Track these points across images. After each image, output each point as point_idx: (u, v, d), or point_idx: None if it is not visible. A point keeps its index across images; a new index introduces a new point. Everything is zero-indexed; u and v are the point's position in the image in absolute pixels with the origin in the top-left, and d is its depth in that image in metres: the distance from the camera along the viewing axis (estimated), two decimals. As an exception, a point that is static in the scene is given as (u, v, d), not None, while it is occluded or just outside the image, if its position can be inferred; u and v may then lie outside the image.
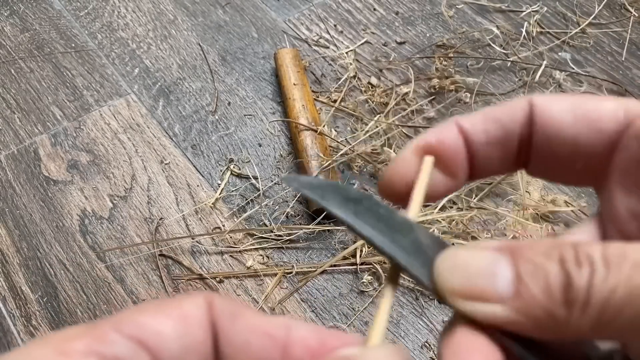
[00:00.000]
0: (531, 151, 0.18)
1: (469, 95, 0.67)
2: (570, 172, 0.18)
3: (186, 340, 0.14)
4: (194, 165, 0.63)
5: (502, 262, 0.14)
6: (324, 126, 0.62)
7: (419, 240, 0.17)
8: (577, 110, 0.17)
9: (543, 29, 0.74)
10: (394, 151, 0.61)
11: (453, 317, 0.16)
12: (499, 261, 0.14)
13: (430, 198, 0.19)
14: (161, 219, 0.58)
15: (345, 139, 0.63)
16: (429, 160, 0.19)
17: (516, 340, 0.15)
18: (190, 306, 0.14)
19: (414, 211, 0.18)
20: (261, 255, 0.56)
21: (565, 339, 0.14)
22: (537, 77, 0.68)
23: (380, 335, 0.15)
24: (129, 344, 0.13)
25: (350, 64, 0.69)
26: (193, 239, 0.57)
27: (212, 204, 0.59)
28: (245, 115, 0.67)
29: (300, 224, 0.57)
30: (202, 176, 0.62)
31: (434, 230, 0.54)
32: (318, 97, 0.67)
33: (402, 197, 0.19)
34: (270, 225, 0.57)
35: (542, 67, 0.68)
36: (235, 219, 0.58)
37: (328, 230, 0.57)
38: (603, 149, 0.17)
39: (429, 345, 0.51)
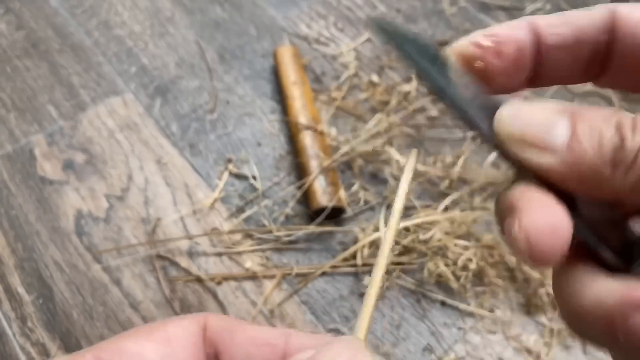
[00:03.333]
0: (611, 61, 0.18)
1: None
2: None
3: None
4: (191, 165, 0.62)
5: (562, 119, 0.15)
6: (324, 125, 0.62)
7: (484, 98, 0.17)
8: None
9: (546, 26, 0.73)
10: (396, 150, 0.60)
11: (511, 177, 0.16)
12: (559, 117, 0.15)
13: (495, 89, 0.19)
14: (158, 219, 0.58)
15: (346, 138, 0.62)
16: (413, 156, 0.19)
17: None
18: (175, 328, 0.14)
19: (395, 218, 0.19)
20: (260, 256, 0.55)
21: (604, 197, 0.15)
22: (540, 75, 0.67)
23: (367, 324, 0.16)
24: None
25: (351, 62, 0.68)
26: (191, 240, 0.56)
27: (210, 204, 0.58)
28: (244, 114, 0.66)
29: (300, 224, 0.57)
30: (200, 176, 0.61)
31: (435, 232, 0.53)
32: (318, 95, 0.66)
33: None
34: (270, 226, 0.56)
35: (545, 65, 0.68)
36: (234, 220, 0.57)
37: (328, 231, 0.56)
38: None
39: (431, 348, 0.50)
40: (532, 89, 0.20)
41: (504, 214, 0.16)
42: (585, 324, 0.15)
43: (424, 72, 0.18)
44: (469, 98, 0.17)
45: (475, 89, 0.18)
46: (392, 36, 0.18)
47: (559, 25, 0.18)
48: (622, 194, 0.15)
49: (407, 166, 0.19)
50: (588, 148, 0.14)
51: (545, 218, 0.14)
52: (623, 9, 0.18)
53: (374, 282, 0.17)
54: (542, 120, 0.15)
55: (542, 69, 0.19)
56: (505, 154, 0.16)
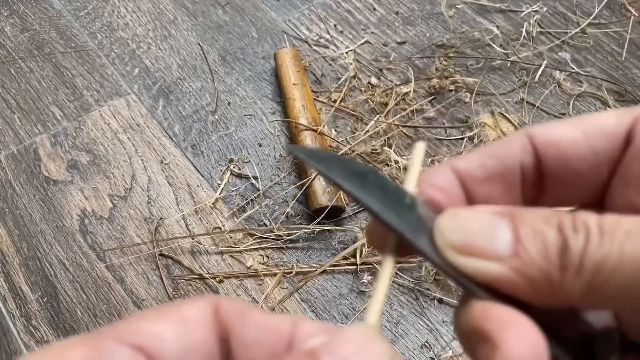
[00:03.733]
0: (545, 180, 0.18)
1: (469, 95, 0.67)
2: (591, 189, 0.18)
3: (187, 342, 0.14)
4: (194, 165, 0.63)
5: (502, 224, 0.15)
6: (324, 126, 0.62)
7: (424, 215, 0.17)
8: (582, 126, 0.17)
9: (543, 29, 0.74)
10: (394, 151, 0.61)
11: (464, 297, 0.16)
12: (499, 222, 0.15)
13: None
14: (161, 219, 0.58)
15: (345, 139, 0.63)
16: (421, 146, 0.18)
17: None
18: (191, 309, 0.14)
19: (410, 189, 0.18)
20: (261, 255, 0.56)
21: (558, 305, 0.15)
22: (537, 77, 0.68)
23: (378, 312, 0.15)
24: (127, 351, 0.13)
25: (350, 63, 0.69)
26: (193, 239, 0.57)
27: (212, 204, 0.59)
28: (245, 115, 0.67)
29: (300, 224, 0.57)
30: (202, 176, 0.62)
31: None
32: (318, 97, 0.67)
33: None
34: (270, 225, 0.57)
35: (542, 67, 0.68)
36: (235, 219, 0.58)
37: (328, 230, 0.57)
38: (618, 152, 0.17)
39: (429, 345, 0.51)
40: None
41: (471, 339, 0.15)
42: None
43: (356, 196, 0.16)
44: (408, 218, 0.16)
45: (412, 200, 0.17)
46: (316, 159, 0.17)
47: (479, 159, 0.18)
48: (575, 299, 0.14)
49: (415, 157, 0.18)
50: (534, 253, 0.14)
51: (526, 346, 0.14)
52: (537, 130, 0.18)
53: (386, 267, 0.16)
54: (483, 227, 0.15)
55: (476, 201, 0.19)
56: (449, 270, 0.15)
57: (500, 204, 0.18)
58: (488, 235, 0.15)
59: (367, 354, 0.14)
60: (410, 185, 0.18)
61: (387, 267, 0.16)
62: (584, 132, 0.17)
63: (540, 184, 0.18)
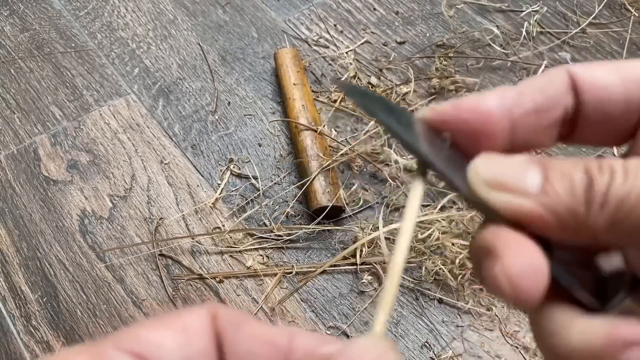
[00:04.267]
0: (579, 119, 0.19)
1: (468, 95, 0.67)
2: (617, 134, 0.19)
3: (187, 351, 0.14)
4: (193, 165, 0.63)
5: (534, 168, 0.16)
6: (324, 126, 0.62)
7: (455, 154, 0.18)
8: (620, 72, 0.18)
9: (543, 28, 0.74)
10: (394, 151, 0.61)
11: (485, 221, 0.17)
12: (531, 166, 0.16)
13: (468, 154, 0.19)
14: (161, 219, 0.58)
15: (345, 139, 0.63)
16: (418, 187, 0.18)
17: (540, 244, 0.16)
18: (191, 318, 0.14)
19: (402, 248, 0.17)
20: (261, 255, 0.56)
21: (582, 240, 0.16)
22: (537, 77, 0.68)
23: (390, 305, 0.16)
24: (128, 359, 0.13)
25: (350, 63, 0.69)
26: (193, 239, 0.57)
27: (212, 204, 0.59)
28: (245, 115, 0.67)
29: (300, 224, 0.57)
30: (202, 176, 0.62)
31: (433, 231, 0.54)
32: (318, 97, 0.67)
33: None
34: (270, 225, 0.57)
35: (542, 67, 0.68)
36: (235, 219, 0.58)
37: (328, 230, 0.57)
38: None
39: (429, 345, 0.51)
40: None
41: (480, 255, 0.16)
42: None
43: (394, 130, 0.17)
44: (438, 152, 0.17)
45: (443, 144, 0.18)
46: (362, 97, 0.18)
47: (530, 93, 0.18)
48: (598, 233, 0.15)
49: (411, 199, 0.18)
50: (561, 190, 0.15)
51: (525, 259, 0.15)
52: (579, 69, 0.18)
53: (394, 271, 0.16)
54: (515, 168, 0.16)
55: (517, 135, 0.19)
56: (479, 205, 0.16)
57: (539, 140, 0.19)
58: (519, 175, 0.16)
59: None
60: (409, 221, 0.18)
61: (396, 269, 0.16)
62: (621, 78, 0.18)
63: (574, 122, 0.19)
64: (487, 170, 0.16)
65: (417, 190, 0.17)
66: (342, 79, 0.69)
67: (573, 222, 0.15)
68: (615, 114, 0.18)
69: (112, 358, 0.13)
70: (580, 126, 0.19)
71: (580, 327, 0.15)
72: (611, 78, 0.18)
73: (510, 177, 0.16)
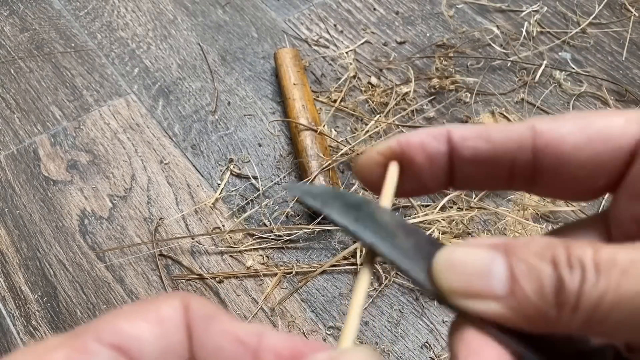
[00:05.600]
0: (538, 175, 0.18)
1: (469, 95, 0.67)
2: (582, 189, 0.18)
3: (164, 343, 0.14)
4: (193, 165, 0.63)
5: (497, 261, 0.15)
6: (324, 126, 0.62)
7: (419, 244, 0.17)
8: (587, 130, 0.17)
9: (543, 28, 0.74)
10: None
11: (457, 316, 0.16)
12: (494, 259, 0.15)
13: (400, 195, 0.19)
14: (161, 219, 0.58)
15: (345, 139, 0.63)
16: (394, 169, 0.18)
17: (513, 334, 0.15)
18: (167, 308, 0.14)
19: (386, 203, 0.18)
20: (261, 255, 0.56)
21: (556, 333, 0.15)
22: (537, 77, 0.68)
23: (353, 334, 0.15)
24: (109, 352, 0.13)
25: (350, 63, 0.69)
26: (193, 239, 0.57)
27: (212, 204, 0.59)
28: (245, 115, 0.67)
29: (300, 224, 0.57)
30: (202, 176, 0.62)
31: (433, 231, 0.54)
32: (318, 97, 0.67)
33: (373, 187, 0.19)
34: (270, 225, 0.57)
35: (542, 67, 0.68)
36: (235, 219, 0.58)
37: (328, 230, 0.57)
38: (621, 164, 0.17)
39: (429, 345, 0.51)
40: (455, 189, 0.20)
41: (450, 355, 0.16)
42: None
43: (350, 229, 0.17)
44: (403, 248, 0.16)
45: (408, 229, 0.17)
46: (311, 196, 0.18)
47: (474, 139, 0.18)
48: (572, 331, 0.14)
49: (387, 182, 0.18)
50: (529, 292, 0.14)
51: None
52: (544, 126, 0.17)
53: (362, 281, 0.16)
54: (478, 267, 0.15)
55: (458, 176, 0.19)
56: (443, 299, 0.16)
57: (481, 182, 0.19)
58: (484, 275, 0.15)
59: None
60: (386, 202, 0.18)
61: (364, 282, 0.16)
62: (589, 138, 0.17)
63: (533, 178, 0.18)
64: (449, 275, 0.15)
65: (364, 278, 0.17)
66: (342, 79, 0.69)
67: (544, 323, 0.14)
68: (582, 174, 0.17)
69: (93, 351, 0.13)
70: (541, 182, 0.18)
71: None
72: (578, 137, 0.17)
73: (476, 281, 0.15)
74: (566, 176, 0.18)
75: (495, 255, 0.15)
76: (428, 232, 0.54)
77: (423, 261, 0.16)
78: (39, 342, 0.13)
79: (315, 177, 0.57)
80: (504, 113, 0.66)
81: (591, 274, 0.14)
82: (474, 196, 0.58)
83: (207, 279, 0.54)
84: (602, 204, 0.58)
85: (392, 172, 0.18)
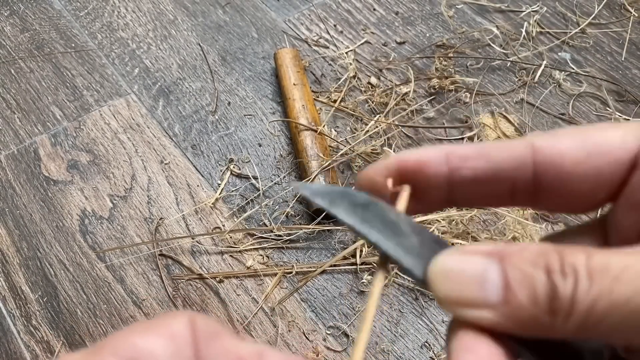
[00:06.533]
0: (539, 191, 0.18)
1: (468, 95, 0.67)
2: (583, 202, 0.18)
3: (175, 358, 0.14)
4: (194, 165, 0.63)
5: (491, 269, 0.15)
6: (323, 126, 0.62)
7: (424, 243, 0.17)
8: (586, 144, 0.17)
9: (543, 29, 0.74)
10: (394, 151, 0.61)
11: (453, 318, 0.16)
12: (488, 267, 0.15)
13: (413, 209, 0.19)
14: (161, 219, 0.58)
15: (345, 139, 0.63)
16: (406, 190, 0.18)
17: (510, 336, 0.16)
18: (178, 325, 0.15)
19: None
20: (261, 255, 0.56)
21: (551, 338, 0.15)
22: (537, 77, 0.68)
23: (364, 347, 0.16)
24: None
25: (350, 64, 0.69)
26: (193, 239, 0.57)
27: (212, 204, 0.59)
28: (245, 115, 0.67)
29: (300, 224, 0.57)
30: (202, 176, 0.62)
31: (434, 230, 0.54)
32: (318, 97, 0.67)
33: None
34: (270, 225, 0.57)
35: (542, 67, 0.69)
36: (235, 219, 0.58)
37: (328, 230, 0.57)
38: (620, 176, 0.17)
39: (429, 345, 0.51)
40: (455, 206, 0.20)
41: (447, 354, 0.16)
42: None
43: (357, 228, 0.17)
44: (407, 248, 0.17)
45: (413, 228, 0.17)
46: (319, 195, 0.18)
47: (474, 159, 0.18)
48: (567, 336, 0.15)
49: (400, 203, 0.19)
50: (523, 300, 0.14)
51: None
52: (542, 142, 0.17)
53: (376, 287, 0.17)
54: (473, 276, 0.15)
55: (459, 195, 0.19)
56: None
57: (483, 201, 0.19)
58: (479, 283, 0.15)
59: None
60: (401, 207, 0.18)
61: (377, 292, 0.16)
62: (588, 152, 0.17)
63: (535, 193, 0.18)
64: (445, 285, 0.16)
65: (378, 281, 0.17)
66: (342, 79, 0.69)
67: (538, 330, 0.15)
68: (582, 189, 0.17)
69: None
70: (542, 197, 0.18)
71: None
72: (577, 153, 0.17)
73: (470, 290, 0.15)
74: (567, 191, 0.18)
75: (490, 262, 0.15)
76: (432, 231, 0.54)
77: (427, 260, 0.16)
78: (58, 358, 0.14)
79: (315, 177, 0.57)
80: (504, 113, 0.66)
81: (584, 281, 0.14)
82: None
83: (207, 278, 0.54)
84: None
85: (404, 194, 0.19)
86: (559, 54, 0.72)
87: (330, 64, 0.71)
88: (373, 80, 0.69)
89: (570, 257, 0.14)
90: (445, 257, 0.16)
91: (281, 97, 0.67)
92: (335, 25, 0.75)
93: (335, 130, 0.64)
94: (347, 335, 0.52)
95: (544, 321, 0.14)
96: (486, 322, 0.15)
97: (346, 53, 0.72)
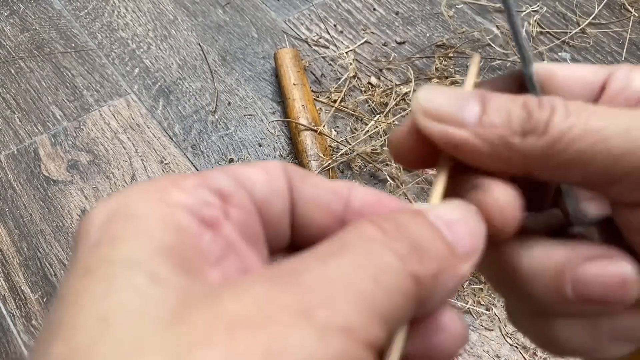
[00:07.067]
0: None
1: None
2: None
3: (271, 186, 0.16)
4: (194, 165, 0.63)
5: (473, 100, 0.16)
6: (323, 126, 0.62)
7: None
8: (564, 71, 0.19)
9: (543, 29, 0.74)
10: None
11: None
12: (470, 98, 0.16)
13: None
14: (161, 218, 0.58)
15: (345, 139, 0.63)
16: (476, 59, 0.19)
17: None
18: (273, 164, 0.17)
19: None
20: (261, 255, 0.56)
21: (515, 170, 0.16)
22: (537, 77, 0.68)
23: (441, 194, 0.17)
24: (232, 181, 0.15)
25: (350, 63, 0.69)
26: (193, 238, 0.57)
27: (212, 203, 0.59)
28: (245, 115, 0.67)
29: (300, 223, 0.57)
30: (202, 176, 0.62)
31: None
32: (318, 97, 0.67)
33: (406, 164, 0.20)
34: (270, 225, 0.57)
35: (542, 67, 0.68)
36: (235, 219, 0.58)
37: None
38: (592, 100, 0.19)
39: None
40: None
41: (465, 188, 0.17)
42: (532, 286, 0.16)
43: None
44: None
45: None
46: None
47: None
48: (532, 162, 0.16)
49: (470, 70, 0.19)
50: (497, 121, 0.16)
51: (508, 192, 0.16)
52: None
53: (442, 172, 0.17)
54: (454, 100, 0.16)
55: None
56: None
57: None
58: (458, 107, 0.16)
59: (470, 225, 0.15)
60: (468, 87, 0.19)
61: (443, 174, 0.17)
62: (563, 76, 0.19)
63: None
64: (427, 100, 0.17)
65: (474, 64, 0.18)
66: (342, 79, 0.69)
67: (506, 152, 0.16)
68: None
69: (219, 178, 0.15)
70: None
71: (542, 247, 0.16)
72: (566, 72, 0.19)
73: (449, 108, 0.16)
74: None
75: (473, 97, 0.16)
76: None
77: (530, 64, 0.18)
78: (164, 176, 0.15)
79: (315, 177, 0.57)
80: (504, 113, 0.66)
81: (562, 110, 0.15)
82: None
83: (207, 278, 0.54)
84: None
85: (474, 66, 0.19)
86: (559, 54, 0.72)
87: (330, 64, 0.71)
88: (373, 80, 0.69)
89: (549, 97, 0.16)
90: (432, 87, 0.17)
91: (281, 97, 0.67)
92: (335, 25, 0.75)
93: (335, 130, 0.64)
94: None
95: (513, 142, 0.15)
96: (457, 139, 0.16)
97: (346, 53, 0.72)
